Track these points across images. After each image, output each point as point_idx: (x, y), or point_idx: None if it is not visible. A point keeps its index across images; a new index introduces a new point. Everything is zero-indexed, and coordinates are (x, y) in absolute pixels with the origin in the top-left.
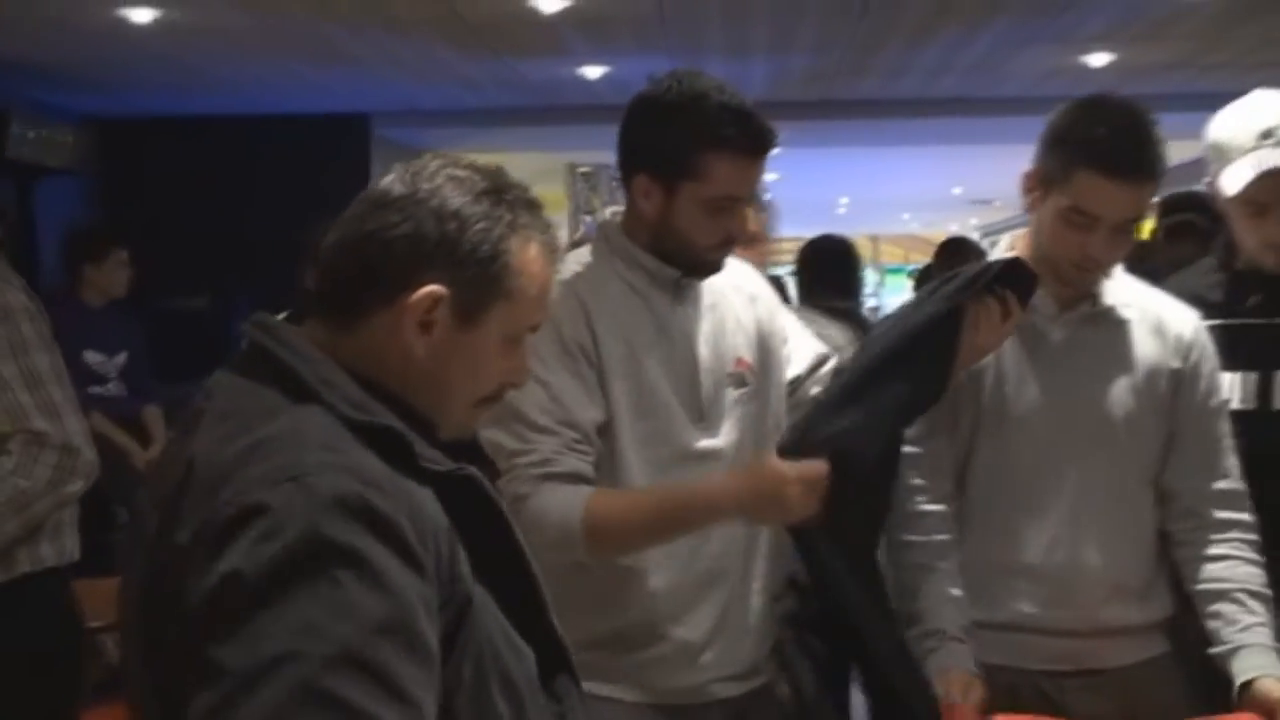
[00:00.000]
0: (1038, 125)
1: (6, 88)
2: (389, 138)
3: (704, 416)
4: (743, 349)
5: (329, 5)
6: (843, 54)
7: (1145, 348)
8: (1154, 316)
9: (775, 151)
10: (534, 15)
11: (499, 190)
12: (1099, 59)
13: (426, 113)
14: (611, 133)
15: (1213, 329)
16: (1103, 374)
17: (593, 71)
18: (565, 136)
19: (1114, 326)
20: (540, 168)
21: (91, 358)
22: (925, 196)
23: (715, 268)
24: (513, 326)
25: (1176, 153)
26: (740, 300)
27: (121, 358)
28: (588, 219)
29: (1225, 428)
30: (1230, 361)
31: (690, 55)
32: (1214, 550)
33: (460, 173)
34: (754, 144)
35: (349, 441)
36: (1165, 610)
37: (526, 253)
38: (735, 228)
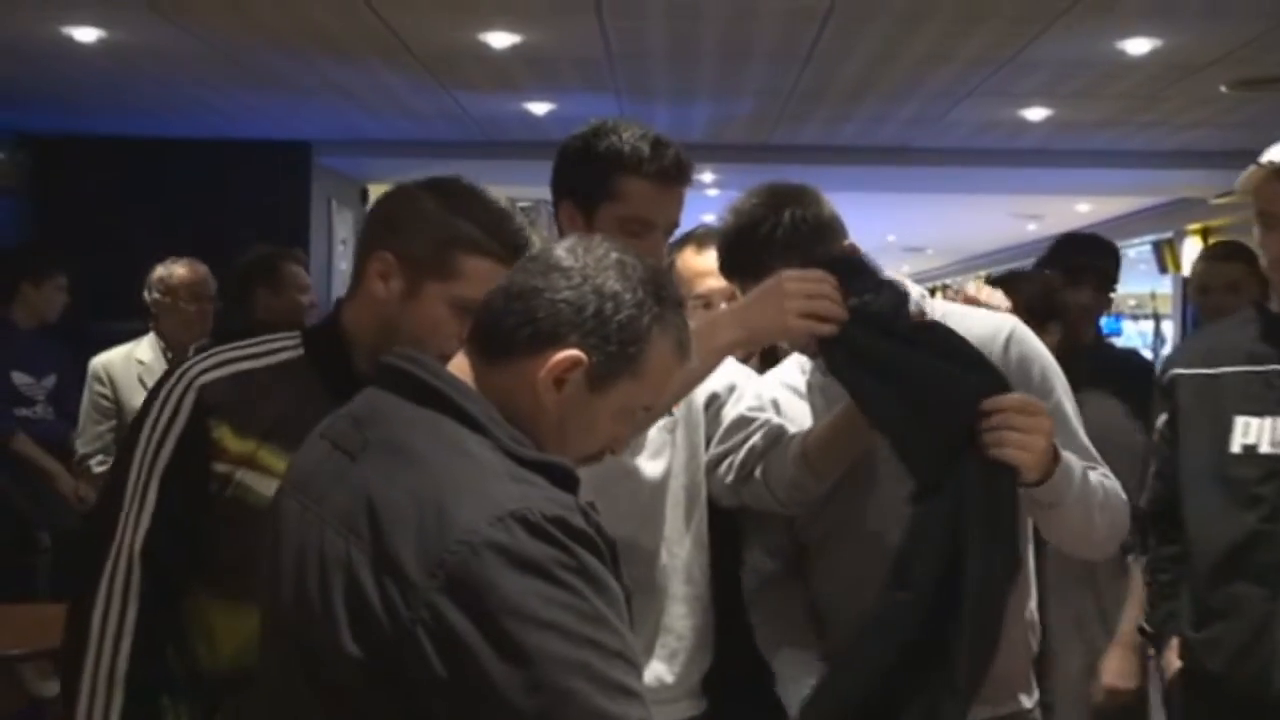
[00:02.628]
0: (976, 176)
1: None
2: (330, 166)
3: (630, 444)
4: None
5: (277, 33)
6: (786, 100)
7: None
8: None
9: (714, 193)
10: (484, 50)
11: (656, 286)
12: (1036, 113)
13: (369, 143)
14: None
15: (1251, 375)
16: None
17: (539, 108)
18: (508, 171)
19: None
20: None
21: (19, 379)
22: (859, 243)
23: None
24: (631, 401)
25: (1107, 208)
26: None
27: (50, 380)
28: None
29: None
30: (1272, 406)
31: (637, 95)
32: None
33: (628, 260)
34: (666, 171)
35: (526, 473)
36: None
37: (663, 344)
38: (649, 253)
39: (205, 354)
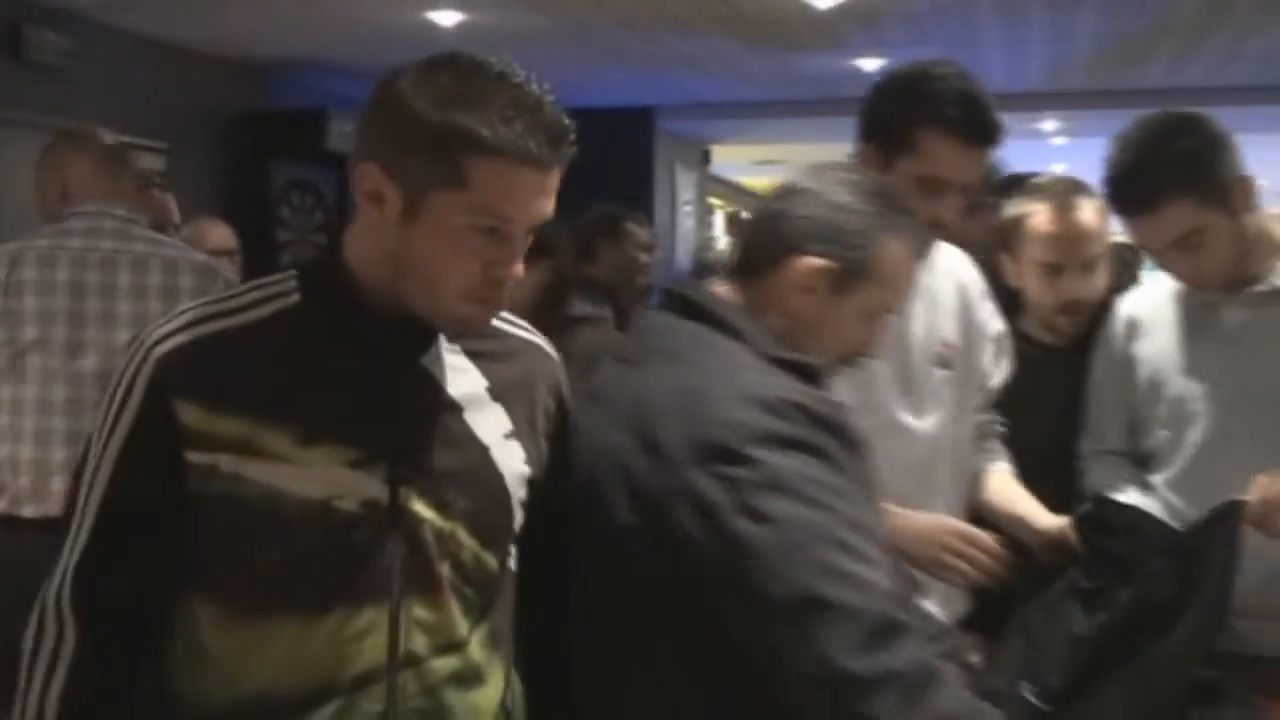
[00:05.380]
0: None
1: (326, 86)
2: (672, 130)
3: (911, 391)
4: (949, 331)
5: (618, 7)
6: (1124, 43)
7: None
8: None
9: (1060, 142)
10: (810, 11)
11: (884, 196)
12: None
13: (709, 106)
14: None
15: None
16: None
17: (868, 64)
18: (840, 128)
19: None
20: (815, 158)
21: None
22: None
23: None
24: (874, 304)
25: None
26: (950, 284)
27: None
28: None
29: None
30: None
31: (965, 46)
32: None
33: (855, 178)
34: (976, 131)
35: (774, 368)
36: None
37: (895, 247)
38: (942, 214)
39: (172, 314)
